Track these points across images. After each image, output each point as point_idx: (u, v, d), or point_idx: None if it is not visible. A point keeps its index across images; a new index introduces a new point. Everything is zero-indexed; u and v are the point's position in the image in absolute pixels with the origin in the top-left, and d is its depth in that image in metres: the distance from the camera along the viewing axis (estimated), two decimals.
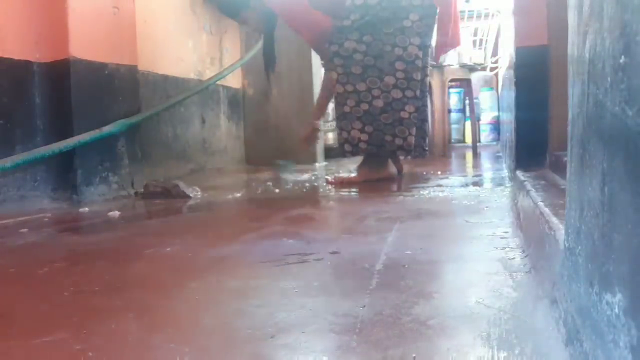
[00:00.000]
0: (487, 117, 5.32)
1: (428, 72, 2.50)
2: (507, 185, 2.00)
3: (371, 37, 2.28)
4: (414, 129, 2.38)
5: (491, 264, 0.94)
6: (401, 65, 2.30)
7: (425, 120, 2.49)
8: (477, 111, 4.71)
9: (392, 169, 2.50)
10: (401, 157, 2.50)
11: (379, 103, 2.31)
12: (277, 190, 2.23)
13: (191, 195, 2.06)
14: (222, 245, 1.22)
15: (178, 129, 2.90)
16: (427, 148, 2.53)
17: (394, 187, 2.23)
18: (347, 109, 2.35)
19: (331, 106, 4.00)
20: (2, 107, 1.83)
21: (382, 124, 2.33)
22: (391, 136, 2.34)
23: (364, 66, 2.30)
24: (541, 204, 0.93)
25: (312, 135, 2.70)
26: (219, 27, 3.41)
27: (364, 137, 2.34)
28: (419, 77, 2.35)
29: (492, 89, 5.34)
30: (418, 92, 2.36)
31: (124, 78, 2.18)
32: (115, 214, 1.67)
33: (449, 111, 4.59)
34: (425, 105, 2.48)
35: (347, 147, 2.39)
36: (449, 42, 2.58)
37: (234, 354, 0.62)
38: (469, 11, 4.48)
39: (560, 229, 0.70)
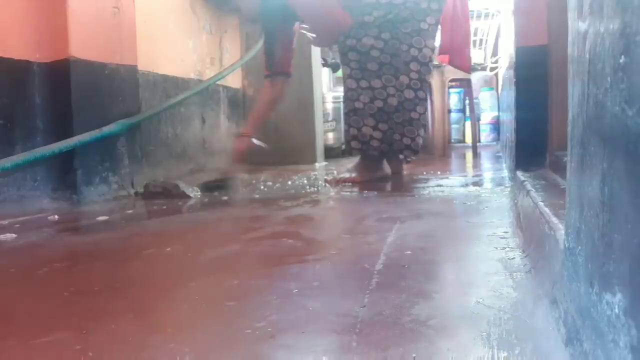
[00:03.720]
0: (487, 117, 5.32)
1: None
2: (507, 185, 2.00)
3: (389, 34, 2.28)
4: (422, 130, 2.40)
5: (491, 264, 0.94)
6: (416, 67, 2.31)
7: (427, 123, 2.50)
8: (477, 111, 4.71)
9: (388, 169, 2.50)
10: (409, 158, 2.47)
11: (394, 101, 2.31)
12: (277, 191, 2.23)
13: (191, 195, 2.06)
14: (222, 245, 1.22)
15: (178, 129, 2.90)
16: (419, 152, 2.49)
17: (394, 187, 2.23)
18: (359, 104, 2.33)
19: (330, 106, 4.02)
20: (2, 107, 1.82)
21: (394, 123, 2.33)
22: (400, 135, 2.34)
23: (380, 63, 2.29)
24: (541, 204, 0.93)
25: (246, 149, 2.42)
26: (219, 27, 3.41)
27: (377, 134, 2.33)
28: (430, 80, 2.38)
29: (492, 89, 5.33)
30: (428, 94, 2.40)
31: (124, 78, 2.18)
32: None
33: (449, 111, 4.59)
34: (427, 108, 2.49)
35: (354, 144, 2.36)
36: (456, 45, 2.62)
37: (234, 354, 0.62)
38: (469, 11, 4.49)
39: (560, 229, 0.70)
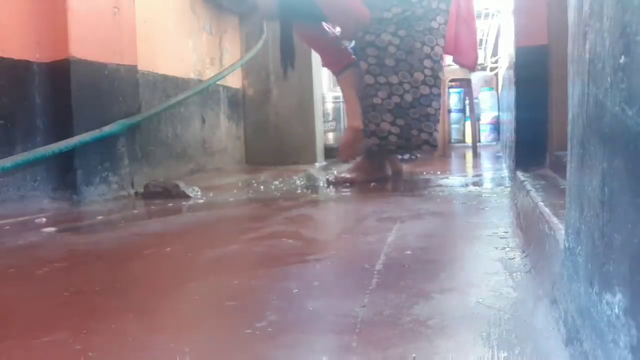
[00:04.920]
0: (487, 117, 5.32)
1: None
2: (507, 185, 2.00)
3: (405, 32, 2.32)
4: (438, 124, 2.44)
5: (491, 264, 0.94)
6: (429, 64, 2.35)
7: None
8: (477, 111, 4.71)
9: (388, 169, 2.50)
10: (427, 152, 2.49)
11: (409, 97, 2.34)
12: (276, 190, 2.23)
13: (191, 195, 2.06)
14: (222, 245, 1.22)
15: (178, 129, 2.90)
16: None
17: (394, 187, 2.23)
18: (377, 100, 2.34)
19: (330, 106, 4.03)
20: (2, 107, 1.82)
21: (411, 119, 2.35)
22: (417, 131, 2.37)
23: (397, 59, 2.32)
24: (541, 204, 0.93)
25: (352, 144, 2.46)
26: (219, 27, 3.41)
27: (395, 130, 2.35)
28: (442, 77, 2.45)
29: (492, 89, 5.34)
30: (441, 91, 2.43)
31: (124, 78, 2.18)
32: None
33: (449, 111, 4.59)
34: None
35: (373, 140, 2.36)
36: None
37: (234, 354, 0.62)
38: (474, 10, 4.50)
39: (560, 229, 0.70)
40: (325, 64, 2.62)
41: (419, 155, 2.48)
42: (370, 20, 2.32)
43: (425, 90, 2.35)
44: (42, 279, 0.98)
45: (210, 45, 3.30)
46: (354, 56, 2.55)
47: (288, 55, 2.53)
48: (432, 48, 2.35)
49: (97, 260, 1.13)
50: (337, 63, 2.56)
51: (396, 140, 2.35)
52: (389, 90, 2.33)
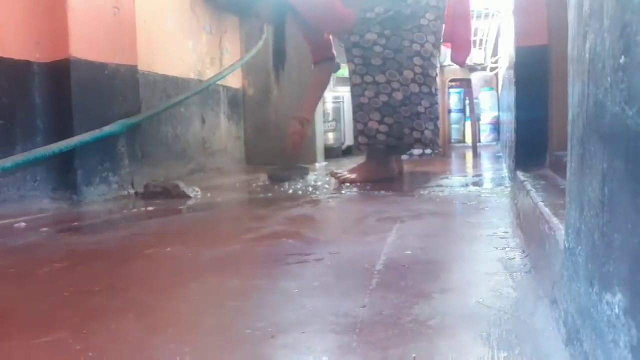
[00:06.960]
0: (487, 117, 5.32)
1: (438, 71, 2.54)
2: (507, 185, 2.00)
3: (391, 31, 2.32)
4: (430, 123, 2.42)
5: (491, 264, 0.94)
6: (419, 61, 2.34)
7: (438, 117, 2.49)
8: (477, 111, 4.71)
9: (393, 169, 2.50)
10: (419, 151, 2.48)
11: (399, 95, 2.33)
12: (276, 190, 2.23)
13: (191, 195, 2.06)
14: (222, 245, 1.22)
15: (178, 129, 2.90)
16: (439, 145, 2.53)
17: (394, 187, 2.23)
18: (364, 100, 2.35)
19: (330, 106, 4.03)
20: (2, 107, 1.82)
21: (402, 117, 2.35)
22: (409, 129, 2.36)
23: (384, 58, 2.32)
24: (541, 204, 0.93)
25: (302, 135, 2.58)
26: (219, 27, 3.41)
27: (383, 128, 2.34)
28: (434, 74, 2.42)
29: (492, 89, 5.34)
30: (433, 89, 2.42)
31: (124, 78, 2.18)
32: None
33: (449, 111, 4.59)
34: (437, 103, 2.49)
35: (361, 139, 2.37)
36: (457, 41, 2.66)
37: (234, 354, 0.62)
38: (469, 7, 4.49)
39: (560, 229, 0.70)
40: (310, 51, 2.67)
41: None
42: (355, 21, 2.33)
43: (415, 88, 2.34)
44: (42, 279, 0.98)
45: (210, 45, 3.30)
46: (334, 55, 2.63)
47: (279, 58, 2.60)
48: (422, 45, 2.34)
49: (97, 260, 1.13)
50: (315, 53, 2.65)
51: (385, 138, 2.35)
52: (376, 89, 2.33)
